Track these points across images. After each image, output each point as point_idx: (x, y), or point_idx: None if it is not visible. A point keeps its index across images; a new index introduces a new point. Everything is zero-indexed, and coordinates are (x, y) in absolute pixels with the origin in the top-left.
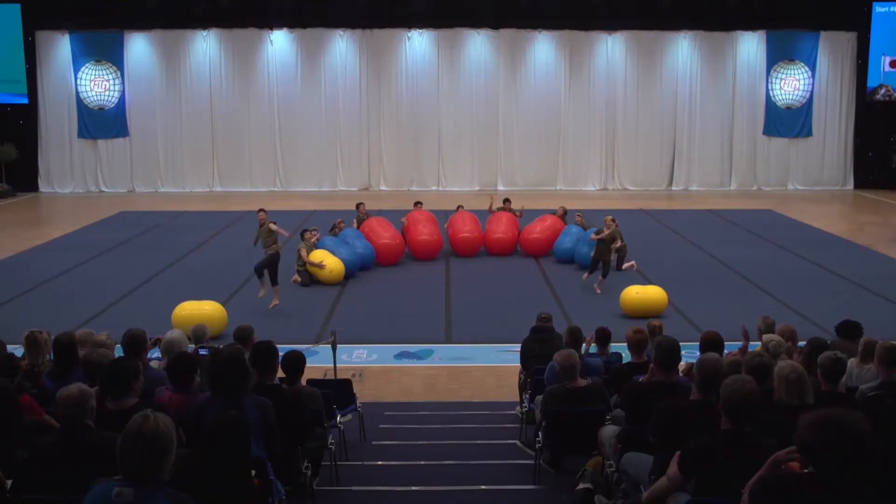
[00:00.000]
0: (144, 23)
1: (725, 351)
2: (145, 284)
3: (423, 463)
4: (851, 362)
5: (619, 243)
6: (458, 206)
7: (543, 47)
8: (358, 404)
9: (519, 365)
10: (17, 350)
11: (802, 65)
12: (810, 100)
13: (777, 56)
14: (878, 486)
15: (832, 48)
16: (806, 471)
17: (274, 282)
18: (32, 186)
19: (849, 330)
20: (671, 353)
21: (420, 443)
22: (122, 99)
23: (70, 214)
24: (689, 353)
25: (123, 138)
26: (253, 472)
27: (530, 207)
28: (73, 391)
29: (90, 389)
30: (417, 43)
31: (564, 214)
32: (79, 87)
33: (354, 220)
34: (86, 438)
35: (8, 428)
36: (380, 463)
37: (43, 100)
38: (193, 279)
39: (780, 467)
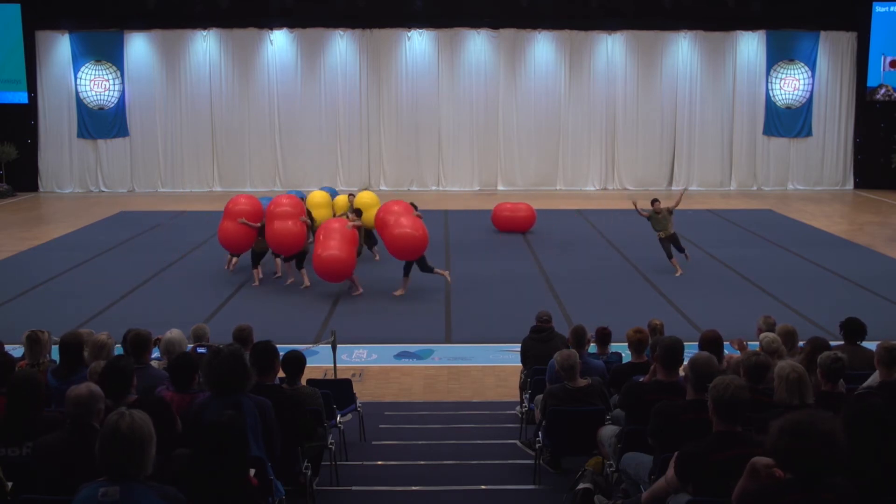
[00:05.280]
0: (144, 23)
1: (725, 352)
2: (145, 284)
3: (423, 463)
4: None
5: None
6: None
7: (543, 47)
8: (358, 404)
9: (519, 365)
10: (17, 350)
11: (802, 65)
12: (810, 100)
13: (777, 56)
14: (859, 481)
15: (832, 48)
16: (786, 477)
17: None
18: (32, 186)
19: (852, 330)
20: (674, 352)
21: (420, 443)
22: (121, 99)
23: (70, 214)
24: (690, 353)
25: (123, 138)
26: (252, 472)
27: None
28: (83, 391)
29: (100, 391)
30: (417, 43)
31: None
32: (79, 87)
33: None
34: (91, 440)
35: (31, 420)
36: (380, 463)
37: (43, 100)
38: (193, 279)
39: (760, 476)
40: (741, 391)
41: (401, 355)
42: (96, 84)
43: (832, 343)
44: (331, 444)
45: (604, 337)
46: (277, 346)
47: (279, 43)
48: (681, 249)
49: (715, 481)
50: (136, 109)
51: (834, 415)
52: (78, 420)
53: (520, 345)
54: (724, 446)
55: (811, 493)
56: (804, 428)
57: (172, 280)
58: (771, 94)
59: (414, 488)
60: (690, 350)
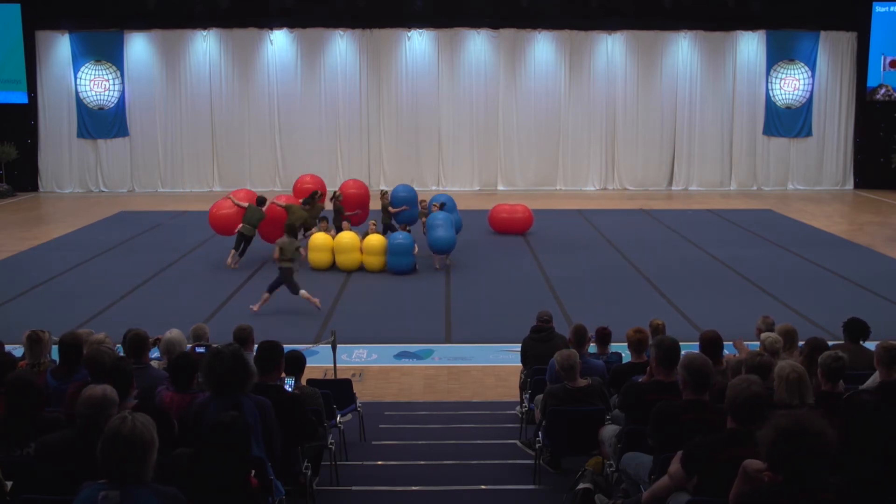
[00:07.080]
0: (144, 23)
1: (725, 352)
2: (145, 284)
3: (423, 463)
4: None
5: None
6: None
7: (543, 47)
8: (358, 404)
9: (519, 365)
10: (17, 350)
11: (802, 65)
12: (810, 100)
13: (777, 56)
14: (857, 481)
15: (832, 48)
16: (778, 480)
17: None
18: (32, 186)
19: (855, 330)
20: (671, 352)
21: (420, 443)
22: (121, 99)
23: (70, 214)
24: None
25: (123, 138)
26: (252, 472)
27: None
28: (97, 393)
29: (115, 395)
30: (417, 43)
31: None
32: (78, 87)
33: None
34: (97, 442)
35: (30, 421)
36: (380, 463)
37: (43, 100)
38: (193, 279)
39: (755, 479)
40: (760, 394)
41: (401, 355)
42: (96, 84)
43: (831, 343)
44: (331, 444)
45: (604, 337)
46: None
47: (279, 43)
48: (273, 288)
49: (720, 478)
50: (136, 109)
51: (822, 413)
52: (87, 420)
53: (520, 345)
54: (735, 444)
55: (809, 493)
56: (792, 430)
57: (172, 280)
58: (771, 94)
59: (414, 488)
60: (688, 350)
